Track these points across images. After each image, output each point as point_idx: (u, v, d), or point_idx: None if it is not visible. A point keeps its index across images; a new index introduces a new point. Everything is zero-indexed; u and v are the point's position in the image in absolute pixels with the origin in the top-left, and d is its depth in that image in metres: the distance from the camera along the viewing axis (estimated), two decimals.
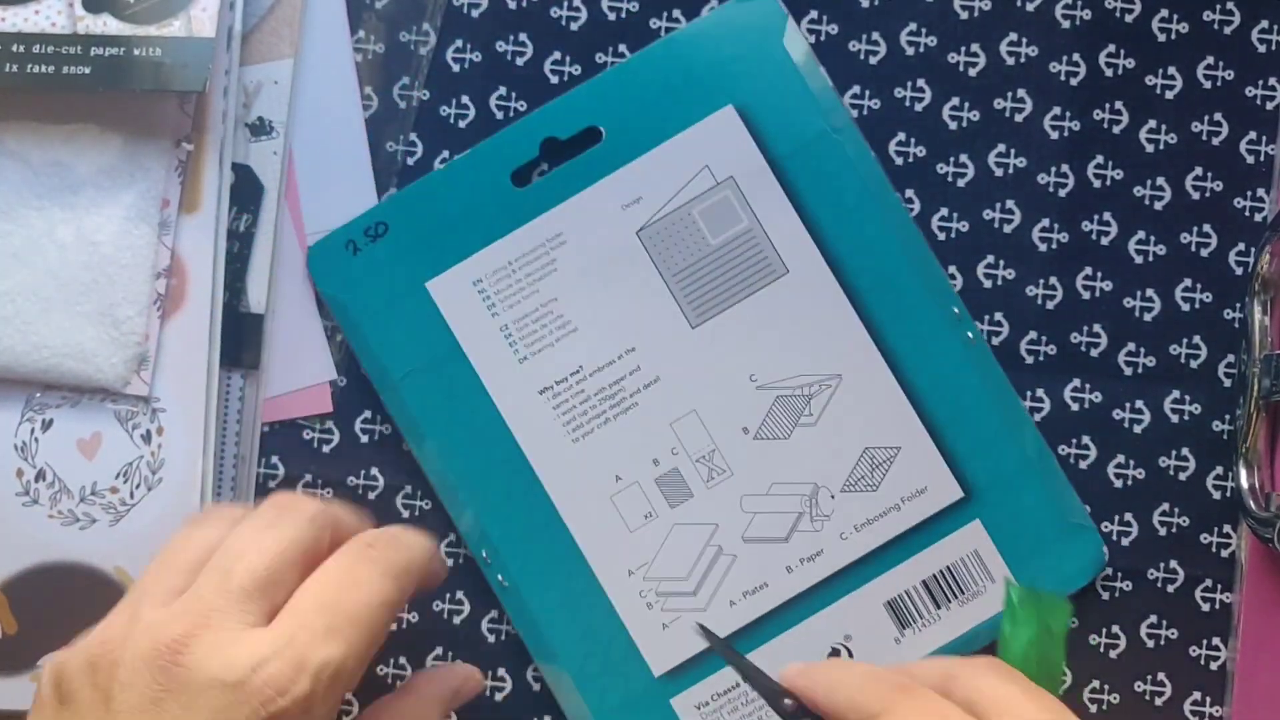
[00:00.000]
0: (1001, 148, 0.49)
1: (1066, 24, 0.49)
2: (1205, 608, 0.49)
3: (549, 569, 0.46)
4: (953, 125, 0.49)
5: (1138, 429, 0.49)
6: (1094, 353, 0.49)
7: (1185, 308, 0.49)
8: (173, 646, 0.35)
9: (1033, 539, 0.47)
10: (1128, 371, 0.49)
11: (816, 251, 0.46)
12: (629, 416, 0.46)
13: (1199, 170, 0.49)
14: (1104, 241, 0.49)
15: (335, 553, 0.39)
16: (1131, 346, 0.49)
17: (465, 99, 0.49)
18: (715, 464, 0.46)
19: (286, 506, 0.40)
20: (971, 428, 0.47)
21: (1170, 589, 0.49)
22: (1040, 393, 0.49)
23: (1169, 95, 0.49)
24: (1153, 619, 0.48)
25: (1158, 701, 0.48)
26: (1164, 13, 0.49)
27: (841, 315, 0.46)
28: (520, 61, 0.49)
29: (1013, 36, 0.49)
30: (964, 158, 0.49)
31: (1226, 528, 0.49)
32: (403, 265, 0.46)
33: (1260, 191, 0.49)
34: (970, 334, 0.47)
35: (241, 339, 0.47)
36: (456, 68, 0.49)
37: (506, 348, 0.46)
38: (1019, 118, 0.49)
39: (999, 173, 0.49)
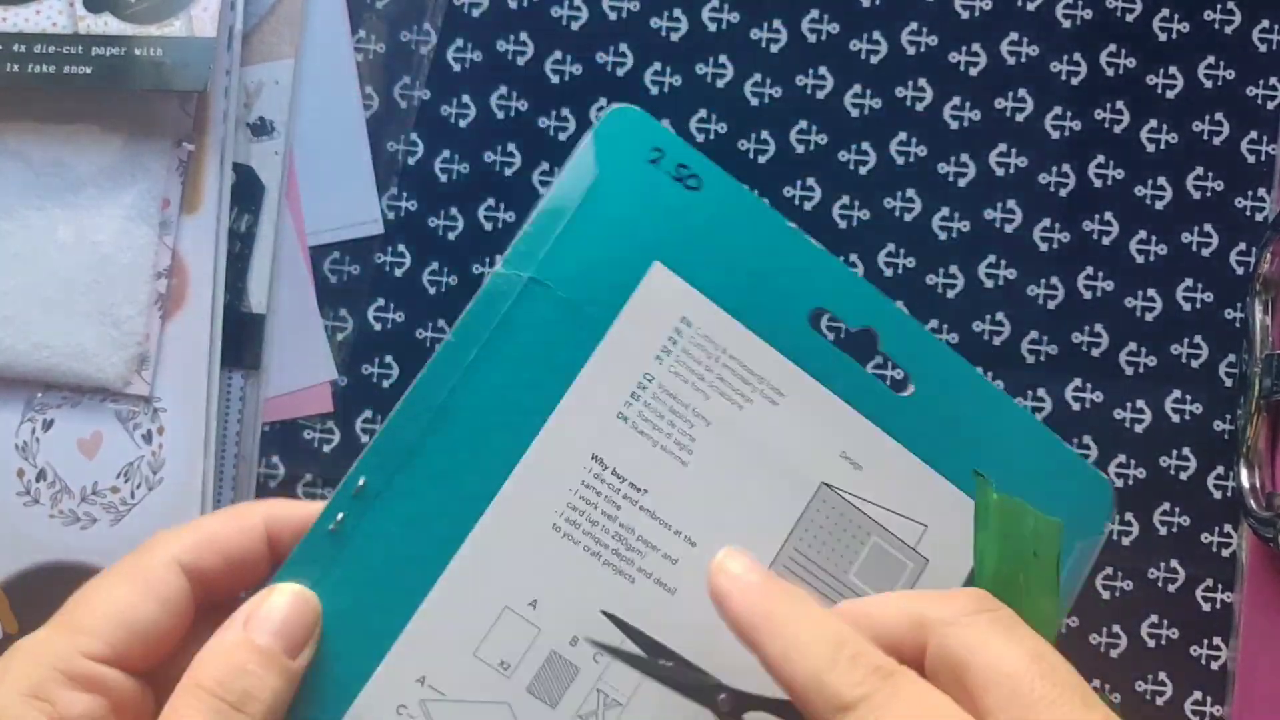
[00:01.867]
0: (1003, 147, 0.49)
1: (1067, 24, 0.49)
2: (1206, 607, 0.49)
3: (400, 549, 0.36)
4: (954, 125, 0.49)
5: (1139, 428, 0.49)
6: (1095, 352, 0.49)
7: (1186, 308, 0.49)
8: None
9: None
10: (1129, 371, 0.49)
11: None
12: (614, 577, 0.37)
13: (1200, 170, 0.49)
14: (1105, 241, 0.49)
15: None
16: (1133, 346, 0.49)
17: (465, 99, 0.49)
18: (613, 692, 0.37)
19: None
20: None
21: (1171, 588, 0.49)
22: (1041, 392, 0.49)
23: (1170, 95, 0.49)
24: (1153, 618, 0.48)
25: (1158, 701, 0.48)
26: (1165, 12, 0.49)
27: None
28: (520, 61, 0.49)
29: (1014, 36, 0.49)
30: (965, 157, 0.49)
31: (1227, 527, 0.49)
32: (671, 223, 0.38)
33: (1261, 191, 0.49)
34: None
35: (242, 339, 0.47)
36: (457, 67, 0.49)
37: (629, 389, 0.37)
38: (1020, 117, 0.49)
39: (1000, 172, 0.49)
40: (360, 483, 0.35)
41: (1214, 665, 0.48)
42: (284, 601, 0.33)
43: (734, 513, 0.37)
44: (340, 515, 0.35)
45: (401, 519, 0.35)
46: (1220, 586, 0.48)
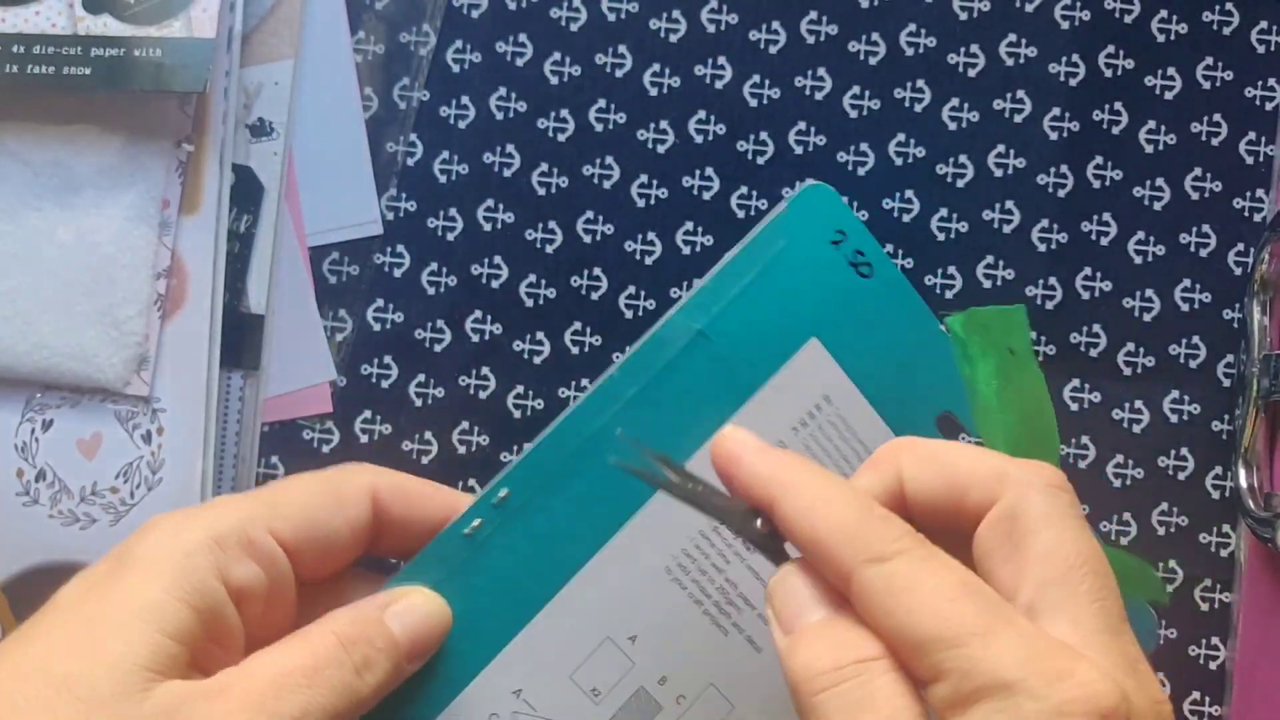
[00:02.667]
0: (1001, 148, 0.49)
1: (1066, 25, 0.49)
2: (1204, 607, 0.49)
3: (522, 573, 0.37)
4: (952, 126, 0.49)
5: (1137, 429, 0.49)
6: (1093, 353, 0.49)
7: (1184, 308, 0.49)
8: None
9: None
10: (1127, 371, 0.49)
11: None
12: (711, 627, 0.38)
13: (1198, 171, 0.49)
14: (1103, 242, 0.49)
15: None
16: (1131, 346, 0.49)
17: (465, 99, 0.49)
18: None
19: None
20: None
21: (1170, 588, 0.49)
22: None
23: (1168, 96, 0.49)
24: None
25: None
26: (1163, 13, 0.50)
27: None
28: (520, 62, 0.49)
29: (1012, 37, 0.49)
30: (964, 158, 0.49)
31: (1226, 527, 0.49)
32: (836, 304, 0.39)
33: (1259, 192, 0.49)
34: None
35: (241, 339, 0.47)
36: (456, 68, 0.49)
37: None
38: (1018, 118, 0.49)
39: (998, 173, 0.49)
40: (502, 494, 0.36)
41: (1212, 665, 0.48)
42: (425, 608, 0.35)
43: None
44: (477, 521, 0.36)
45: (532, 536, 0.36)
46: (1219, 587, 0.49)
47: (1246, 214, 0.49)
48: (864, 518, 0.30)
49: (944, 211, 0.49)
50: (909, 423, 0.39)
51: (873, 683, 0.28)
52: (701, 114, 0.49)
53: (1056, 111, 0.49)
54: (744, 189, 0.49)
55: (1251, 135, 0.49)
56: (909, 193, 0.49)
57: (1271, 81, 0.50)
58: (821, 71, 0.49)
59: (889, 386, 0.39)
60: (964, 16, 0.49)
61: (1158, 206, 0.49)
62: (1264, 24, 0.50)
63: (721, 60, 0.49)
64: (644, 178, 0.49)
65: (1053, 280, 0.49)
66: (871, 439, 0.39)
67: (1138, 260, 0.49)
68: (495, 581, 0.36)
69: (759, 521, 0.32)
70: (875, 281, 0.39)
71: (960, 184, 0.49)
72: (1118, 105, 0.49)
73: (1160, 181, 0.49)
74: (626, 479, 0.35)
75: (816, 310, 0.39)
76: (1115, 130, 0.49)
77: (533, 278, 0.49)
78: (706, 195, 0.49)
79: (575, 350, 0.49)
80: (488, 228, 0.49)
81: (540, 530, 0.37)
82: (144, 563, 0.32)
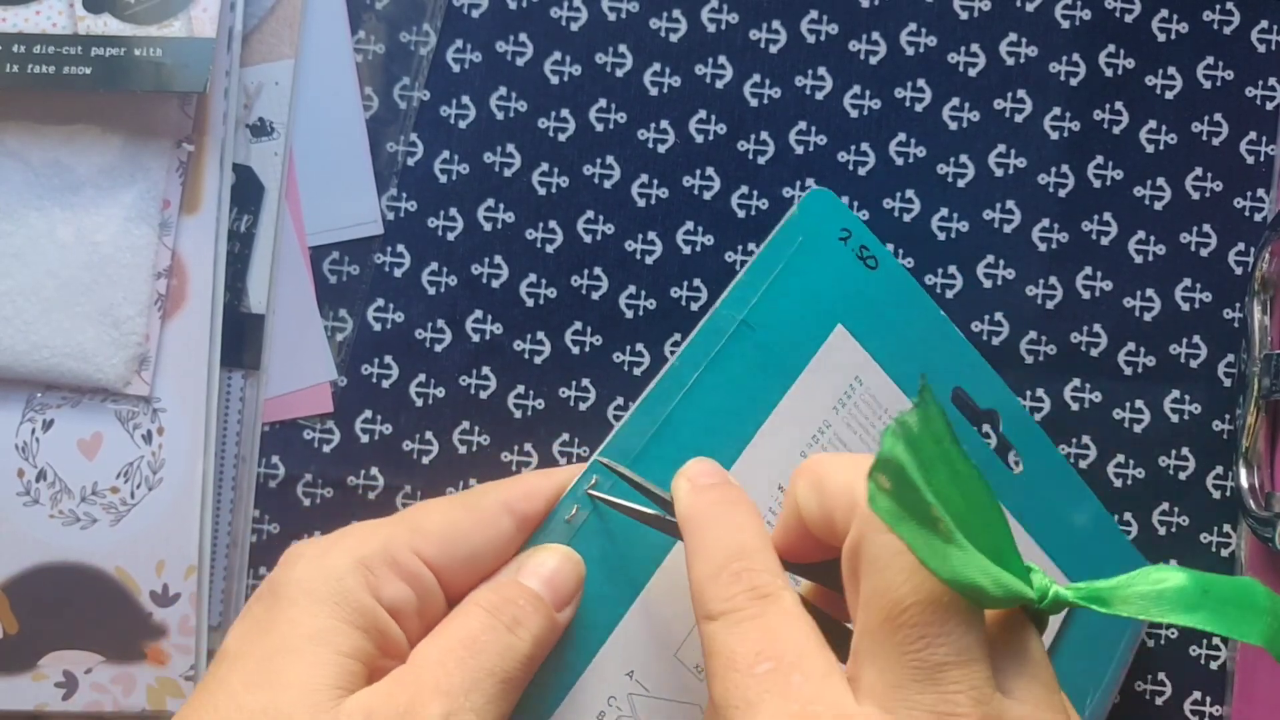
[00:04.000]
0: (1001, 148, 0.49)
1: (1066, 24, 0.49)
2: None
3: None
4: (953, 125, 0.49)
5: (1138, 428, 0.49)
6: (1094, 352, 0.49)
7: (1185, 307, 0.49)
8: None
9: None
10: (1128, 371, 0.49)
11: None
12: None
13: (1199, 170, 0.49)
14: (1104, 241, 0.49)
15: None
16: (1131, 346, 0.49)
17: (465, 99, 0.49)
18: None
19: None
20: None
21: None
22: (1040, 392, 0.49)
23: (1169, 95, 0.49)
24: None
25: (1158, 701, 0.48)
26: (1164, 13, 0.49)
27: None
28: (520, 61, 0.49)
29: (1013, 37, 0.49)
30: (964, 158, 0.49)
31: (1226, 527, 0.49)
32: (852, 293, 0.43)
33: (1260, 191, 0.49)
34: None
35: (242, 339, 0.47)
36: (456, 68, 0.49)
37: (810, 431, 0.42)
38: (1019, 118, 0.49)
39: (999, 173, 0.49)
40: (593, 480, 0.38)
41: (1213, 665, 0.48)
42: (554, 558, 0.36)
43: None
44: (575, 509, 0.38)
45: (622, 521, 0.38)
46: None
47: (1247, 213, 0.49)
48: (716, 572, 0.32)
49: (944, 211, 0.49)
50: None
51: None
52: (702, 113, 0.49)
53: (1057, 111, 0.49)
54: (744, 189, 0.49)
55: (1252, 135, 0.49)
56: (909, 192, 0.49)
57: (1272, 81, 0.50)
58: (822, 71, 0.49)
59: (906, 365, 0.43)
60: (964, 16, 0.49)
61: (1158, 206, 0.49)
62: (1265, 23, 0.50)
63: (722, 60, 0.49)
64: (644, 177, 0.49)
65: (1053, 280, 0.49)
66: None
67: (1138, 260, 0.49)
68: (598, 565, 0.38)
69: None
70: (881, 273, 0.43)
71: (961, 183, 0.49)
72: (1118, 105, 0.49)
73: (1161, 181, 0.49)
74: (698, 455, 0.38)
75: (837, 300, 0.42)
76: (1116, 130, 0.49)
77: (533, 277, 0.49)
78: (707, 195, 0.49)
79: (575, 350, 0.49)
80: (488, 227, 0.49)
81: (624, 520, 0.38)
82: (299, 592, 0.33)
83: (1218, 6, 0.50)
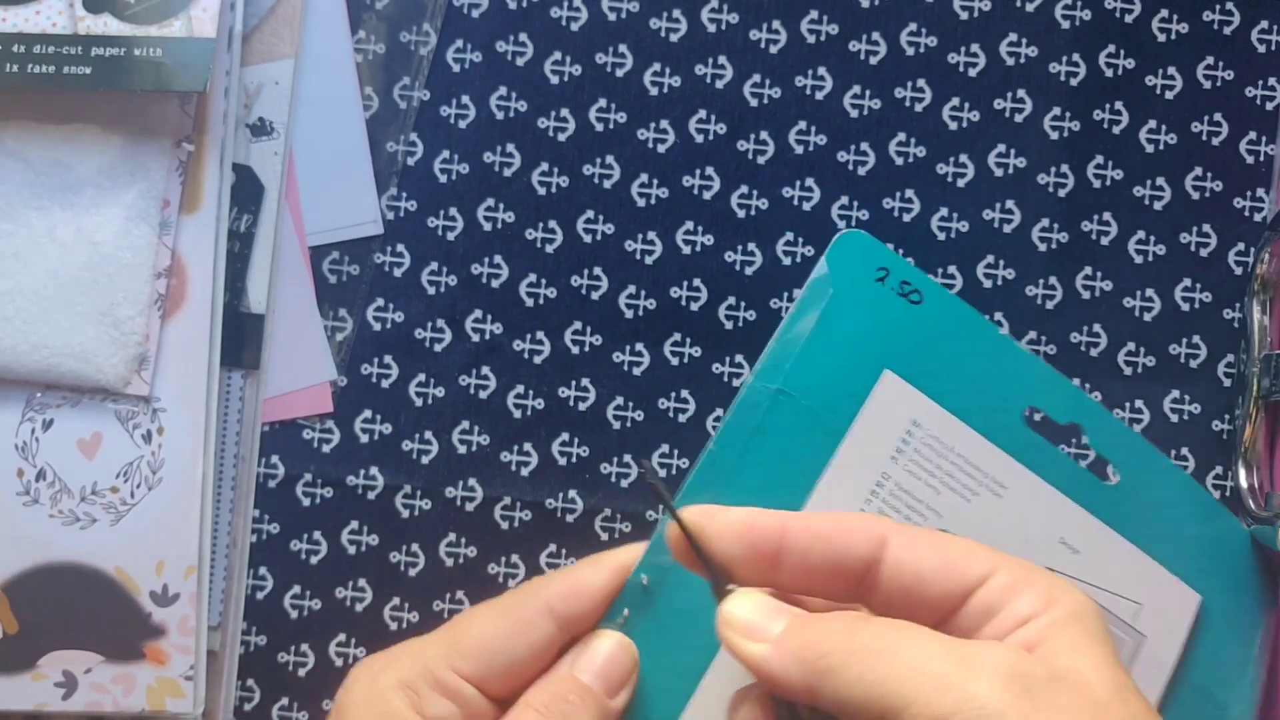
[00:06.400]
0: (1001, 148, 0.49)
1: (1066, 24, 0.49)
2: None
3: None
4: (953, 125, 0.49)
5: (1137, 428, 0.49)
6: (1094, 352, 0.49)
7: (1185, 307, 0.49)
8: None
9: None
10: (1127, 371, 0.49)
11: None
12: None
13: (1199, 170, 0.49)
14: (1104, 241, 0.49)
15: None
16: (1131, 346, 0.49)
17: (465, 99, 0.49)
18: None
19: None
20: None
21: None
22: None
23: (1169, 95, 0.49)
24: None
25: None
26: (1164, 13, 0.49)
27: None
28: (520, 61, 0.49)
29: (1013, 37, 0.49)
30: (964, 158, 0.49)
31: None
32: (898, 334, 0.41)
33: (1260, 191, 0.49)
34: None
35: (241, 339, 0.47)
36: (456, 68, 0.49)
37: (868, 487, 0.41)
38: (1019, 118, 0.49)
39: (999, 173, 0.49)
40: (644, 580, 0.38)
41: None
42: (607, 646, 0.37)
43: None
44: (627, 612, 0.38)
45: (675, 611, 0.38)
46: None
47: (1247, 213, 0.49)
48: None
49: (944, 211, 0.49)
50: (998, 425, 0.41)
51: (889, 624, 0.32)
52: (702, 113, 0.49)
53: (1057, 111, 0.49)
54: (744, 188, 0.49)
55: (1252, 135, 0.49)
56: (909, 192, 0.49)
57: (1272, 81, 0.50)
58: (822, 71, 0.49)
59: (970, 397, 0.41)
60: (964, 16, 0.49)
61: (1158, 206, 0.49)
62: (1264, 23, 0.50)
63: (722, 59, 0.49)
64: (644, 177, 0.49)
65: (1053, 280, 0.49)
66: (968, 450, 0.41)
67: (1138, 260, 0.49)
68: (652, 661, 0.38)
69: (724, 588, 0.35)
70: (928, 305, 0.41)
71: (961, 183, 0.49)
72: (1118, 105, 0.49)
73: (1161, 181, 0.49)
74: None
75: (881, 344, 0.41)
76: (1116, 130, 0.49)
77: (533, 277, 0.49)
78: (707, 195, 0.49)
79: (575, 350, 0.49)
80: (488, 227, 0.49)
81: (681, 605, 0.38)
82: (354, 716, 0.36)
83: (1218, 6, 0.50)
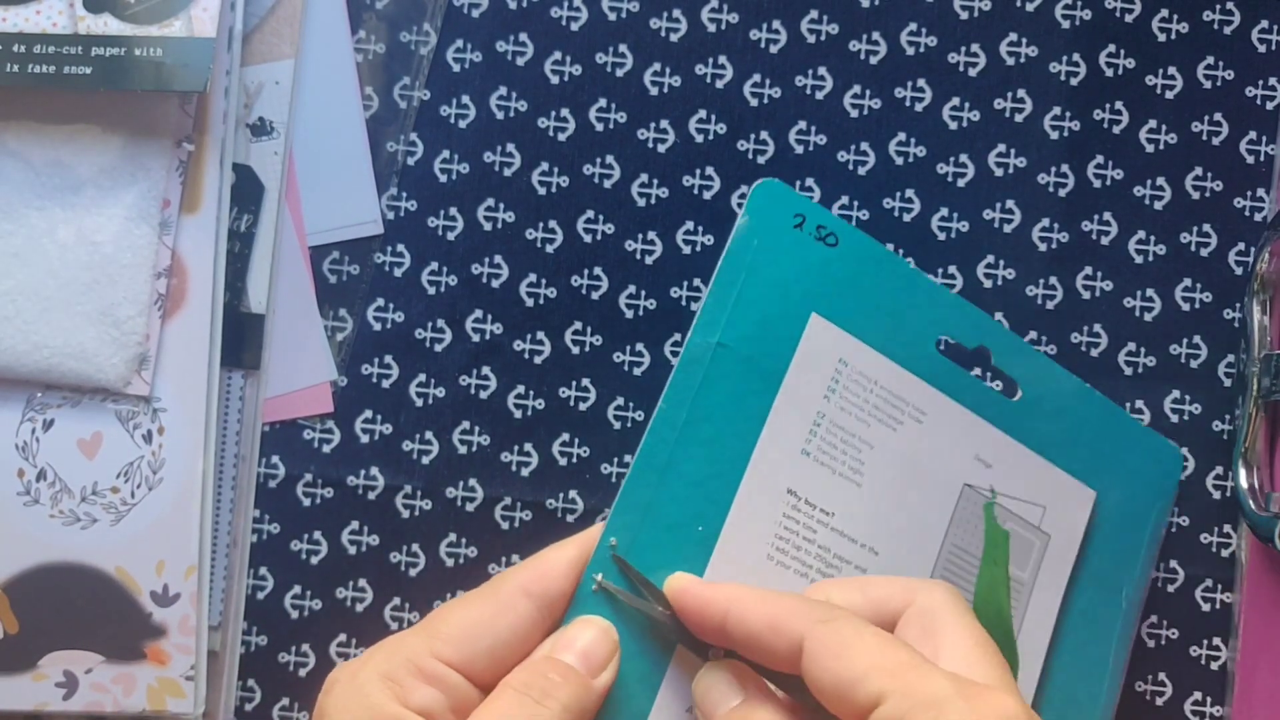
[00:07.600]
0: (1001, 148, 0.49)
1: (1066, 24, 0.49)
2: (1205, 608, 0.49)
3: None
4: (953, 125, 0.49)
5: None
6: (1094, 352, 0.49)
7: (1185, 307, 0.49)
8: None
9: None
10: (1128, 371, 0.49)
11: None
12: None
13: (1199, 170, 0.49)
14: (1104, 241, 0.49)
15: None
16: (1131, 346, 0.49)
17: (465, 99, 0.49)
18: None
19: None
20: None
21: (1170, 589, 0.49)
22: None
23: (1169, 95, 0.49)
24: (1153, 619, 0.48)
25: (1158, 701, 0.48)
26: (1164, 13, 0.49)
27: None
28: (520, 61, 0.49)
29: (1013, 37, 0.49)
30: (964, 158, 0.49)
31: (1226, 528, 0.49)
32: (819, 278, 0.42)
33: (1260, 191, 0.49)
34: None
35: (242, 339, 0.47)
36: (456, 68, 0.49)
37: (807, 427, 0.42)
38: (1019, 118, 0.49)
39: (999, 173, 0.49)
40: (612, 542, 0.39)
41: (1214, 665, 0.48)
42: (585, 627, 0.38)
43: (901, 521, 0.42)
44: (599, 576, 0.38)
45: (648, 569, 0.39)
46: (1220, 587, 0.49)
47: (1247, 213, 0.49)
48: (804, 600, 0.36)
49: (944, 211, 0.49)
50: (916, 356, 0.43)
51: None
52: (702, 113, 0.49)
53: (1057, 111, 0.49)
54: (744, 188, 0.49)
55: (1252, 134, 0.49)
56: (909, 192, 0.49)
57: (1272, 81, 0.50)
58: (822, 71, 0.49)
59: (888, 331, 0.43)
60: (965, 16, 0.49)
61: (1158, 206, 0.49)
62: (1265, 23, 0.50)
63: (722, 59, 0.49)
64: (644, 177, 0.49)
65: (1053, 280, 0.49)
66: (891, 382, 0.42)
67: (1138, 260, 0.49)
68: (627, 624, 0.38)
69: (712, 650, 0.38)
70: (843, 247, 0.42)
71: (961, 183, 0.49)
72: (1118, 104, 0.49)
73: (1161, 181, 0.49)
74: (706, 492, 0.40)
75: (805, 289, 0.42)
76: (1116, 129, 0.49)
77: (533, 277, 0.49)
78: (707, 194, 0.49)
79: (575, 350, 0.49)
80: (488, 227, 0.49)
81: (650, 564, 0.39)
82: (336, 715, 0.36)
83: (1218, 6, 0.50)
